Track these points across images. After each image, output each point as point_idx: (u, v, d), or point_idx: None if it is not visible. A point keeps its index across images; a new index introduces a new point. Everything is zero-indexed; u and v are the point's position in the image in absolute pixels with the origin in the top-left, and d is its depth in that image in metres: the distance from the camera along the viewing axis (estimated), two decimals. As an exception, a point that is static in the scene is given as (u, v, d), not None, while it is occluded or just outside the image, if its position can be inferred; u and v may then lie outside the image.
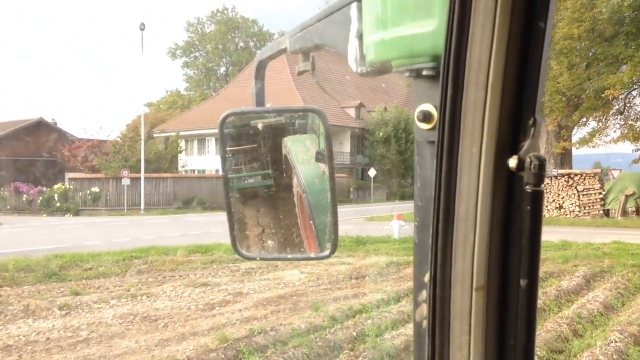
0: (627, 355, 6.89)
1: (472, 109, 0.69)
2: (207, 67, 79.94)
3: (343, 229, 18.05)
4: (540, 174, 0.68)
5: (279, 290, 10.61)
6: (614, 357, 6.75)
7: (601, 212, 25.58)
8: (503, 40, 0.67)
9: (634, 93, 24.81)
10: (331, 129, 1.34)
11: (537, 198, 0.69)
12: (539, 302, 9.25)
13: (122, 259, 13.04)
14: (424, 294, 0.79)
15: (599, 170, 26.58)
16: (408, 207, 32.26)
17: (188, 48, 78.72)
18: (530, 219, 0.70)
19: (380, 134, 45.20)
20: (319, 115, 1.39)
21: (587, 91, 22.99)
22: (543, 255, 13.87)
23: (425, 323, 0.78)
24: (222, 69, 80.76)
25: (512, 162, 0.68)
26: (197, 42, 78.57)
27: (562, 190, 26.34)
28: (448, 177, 0.72)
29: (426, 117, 0.77)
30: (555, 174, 26.63)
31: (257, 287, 10.88)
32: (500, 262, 0.72)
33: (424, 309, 0.79)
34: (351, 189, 44.93)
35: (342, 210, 29.40)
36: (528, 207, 0.69)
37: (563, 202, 26.34)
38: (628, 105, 25.67)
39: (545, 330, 7.64)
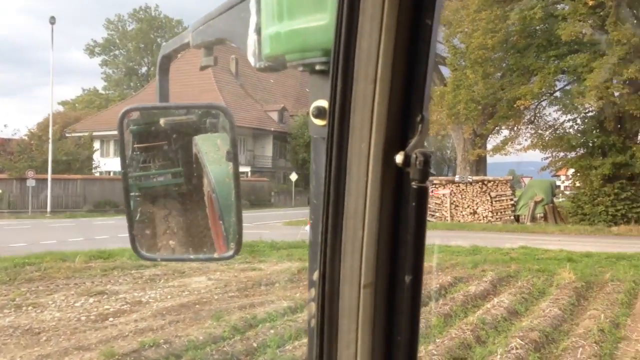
0: (527, 362, 6.87)
1: (362, 104, 0.70)
2: (127, 66, 77.31)
3: (259, 234, 17.67)
4: (425, 170, 0.69)
5: (182, 299, 10.06)
6: (514, 364, 6.71)
7: (512, 217, 26.44)
8: (391, 35, 0.68)
9: (543, 104, 25.84)
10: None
11: (421, 194, 0.69)
12: (446, 308, 9.27)
13: (12, 266, 12.04)
14: (313, 292, 0.79)
15: (510, 178, 27.50)
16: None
17: (107, 46, 75.93)
18: (416, 215, 0.70)
19: (302, 139, 45.07)
20: (224, 113, 1.38)
21: (501, 100, 23.69)
22: (454, 260, 14.00)
23: (313, 321, 0.78)
24: (144, 69, 78.35)
25: (399, 158, 0.69)
26: (117, 40, 75.93)
27: (476, 196, 27.04)
28: (337, 173, 0.72)
29: (320, 113, 0.77)
30: (470, 180, 27.32)
31: (159, 295, 10.27)
32: (388, 258, 0.73)
33: (312, 307, 0.78)
34: (272, 193, 44.53)
35: (262, 214, 29.00)
36: (413, 204, 0.70)
37: (477, 208, 27.04)
38: (538, 115, 26.72)
39: (450, 338, 7.53)
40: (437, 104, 24.78)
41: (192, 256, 1.72)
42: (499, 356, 6.79)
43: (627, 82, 20.82)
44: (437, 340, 7.42)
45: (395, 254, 0.72)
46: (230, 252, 1.37)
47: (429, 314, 8.90)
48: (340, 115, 0.70)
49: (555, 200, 27.82)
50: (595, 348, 7.21)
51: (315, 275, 0.76)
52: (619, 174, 22.75)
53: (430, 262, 13.76)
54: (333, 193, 0.73)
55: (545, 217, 25.97)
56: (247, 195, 38.62)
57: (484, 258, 14.16)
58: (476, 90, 22.75)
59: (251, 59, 0.94)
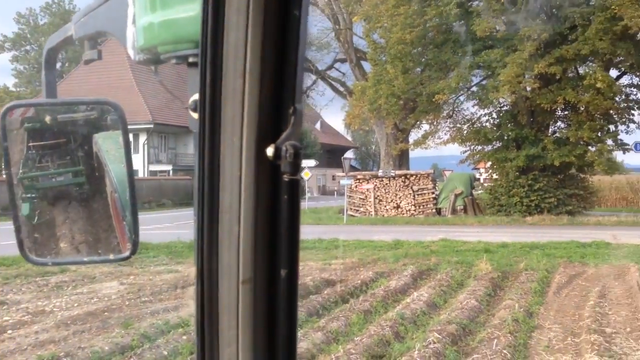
0: (445, 357, 6.83)
1: (232, 97, 0.70)
2: (39, 62, 73.30)
3: (179, 234, 17.07)
4: (296, 163, 0.68)
5: (90, 306, 9.45)
6: (432, 359, 6.65)
7: (434, 210, 26.95)
8: (258, 27, 0.68)
9: (461, 98, 26.44)
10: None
11: (293, 187, 0.70)
12: (366, 305, 9.15)
13: None
14: (191, 290, 0.77)
15: (432, 171, 28.05)
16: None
17: (18, 41, 71.83)
18: (288, 208, 0.70)
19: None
20: (114, 109, 1.34)
21: (421, 95, 24.06)
22: (376, 255, 14.00)
23: (193, 320, 0.77)
24: (58, 65, 74.40)
25: (270, 151, 0.69)
26: (28, 35, 72.00)
27: (400, 190, 27.39)
28: (211, 167, 0.72)
29: (197, 107, 0.77)
30: (393, 174, 27.65)
31: (65, 304, 9.61)
32: (265, 253, 0.72)
33: (192, 305, 0.77)
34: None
35: (184, 213, 28.15)
36: (286, 197, 0.70)
37: (400, 202, 27.39)
38: (456, 109, 27.33)
39: (368, 335, 7.40)
40: (358, 99, 24.89)
41: (86, 259, 1.69)
42: (416, 351, 6.71)
43: (538, 76, 21.60)
44: (356, 339, 7.28)
45: (272, 248, 0.72)
46: (127, 253, 1.34)
47: (349, 312, 8.78)
48: (210, 109, 0.70)
49: (474, 192, 28.61)
50: (510, 338, 7.28)
51: (194, 272, 0.76)
52: (532, 165, 23.61)
53: (352, 257, 13.75)
54: (207, 188, 0.72)
55: (465, 209, 26.63)
56: (170, 194, 37.54)
57: (406, 252, 14.26)
58: (396, 85, 22.97)
59: (131, 52, 0.90)
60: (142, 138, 43.99)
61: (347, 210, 26.89)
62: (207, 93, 0.70)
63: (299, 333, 7.49)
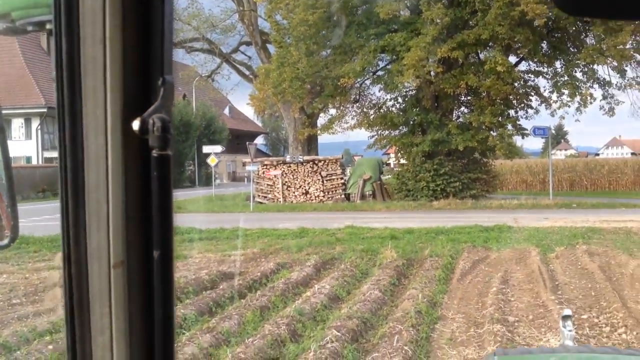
0: (343, 357, 6.28)
1: (92, 66, 0.66)
2: None
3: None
4: (164, 137, 0.66)
5: (-56, 314, 8.20)
6: (329, 360, 6.08)
7: (343, 196, 26.68)
8: None
9: (367, 82, 26.22)
10: None
11: (163, 163, 0.67)
12: (264, 300, 8.47)
13: None
14: (57, 276, 0.92)
15: (340, 157, 27.72)
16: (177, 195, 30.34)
17: None
18: (159, 185, 0.67)
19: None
20: None
21: (326, 79, 23.55)
22: (279, 244, 13.33)
23: (61, 308, 0.80)
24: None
25: (136, 124, 0.66)
26: None
27: (308, 176, 26.91)
28: (74, 143, 0.68)
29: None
30: (302, 160, 27.11)
31: None
32: (138, 234, 0.69)
33: (58, 292, 1.01)
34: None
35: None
36: (155, 173, 0.67)
37: (309, 188, 26.93)
38: (363, 94, 27.10)
39: (262, 335, 6.73)
40: (262, 82, 24.05)
41: None
42: (312, 353, 6.11)
43: (441, 61, 21.67)
44: (248, 340, 6.59)
45: (144, 228, 0.68)
46: (5, 241, 1.31)
47: (245, 309, 8.09)
48: (69, 79, 0.66)
49: (383, 177, 28.60)
50: (412, 333, 6.85)
51: (60, 257, 0.71)
52: (438, 150, 23.78)
53: (254, 247, 13.03)
54: (71, 166, 0.68)
55: (373, 195, 26.52)
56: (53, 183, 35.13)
57: (310, 240, 13.70)
58: (300, 68, 22.31)
59: None
60: (35, 123, 41.08)
61: (254, 197, 26.11)
62: (64, 62, 0.65)
63: (185, 336, 6.73)
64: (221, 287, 9.49)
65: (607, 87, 23.32)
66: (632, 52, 21.55)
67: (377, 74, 25.11)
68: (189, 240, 14.36)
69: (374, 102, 26.61)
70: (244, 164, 26.41)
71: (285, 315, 7.53)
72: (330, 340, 6.46)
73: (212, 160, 32.74)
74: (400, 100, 25.63)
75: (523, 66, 24.90)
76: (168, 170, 0.68)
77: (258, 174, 27.60)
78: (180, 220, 17.47)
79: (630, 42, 21.16)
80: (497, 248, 12.27)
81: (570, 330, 2.77)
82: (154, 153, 0.65)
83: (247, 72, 33.24)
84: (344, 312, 7.68)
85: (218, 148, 34.09)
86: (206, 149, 34.14)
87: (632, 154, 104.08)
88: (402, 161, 26.16)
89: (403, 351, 6.29)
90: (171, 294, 0.70)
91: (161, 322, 0.70)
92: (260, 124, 75.03)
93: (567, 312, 2.90)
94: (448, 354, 6.51)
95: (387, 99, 25.84)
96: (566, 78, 22.65)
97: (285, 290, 9.20)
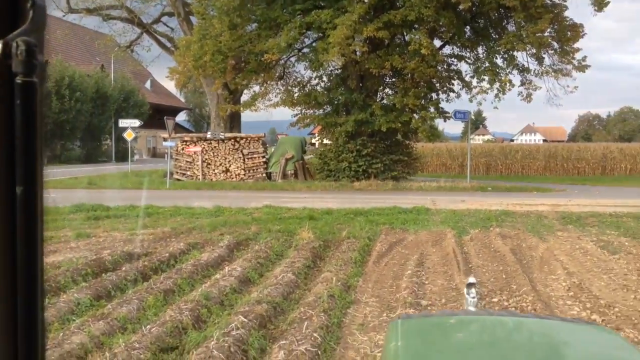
0: (248, 344, 5.88)
1: None
2: None
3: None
4: (29, 62, 0.61)
5: None
6: (232, 349, 5.66)
7: (264, 175, 26.19)
8: None
9: (292, 59, 25.67)
10: None
11: (28, 90, 0.62)
12: (170, 283, 7.92)
13: None
14: None
15: (263, 135, 27.11)
16: (69, 172, 28.76)
17: None
18: (23, 114, 0.62)
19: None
20: None
21: (249, 54, 22.83)
22: (192, 224, 12.72)
23: None
24: None
25: None
26: None
27: (229, 153, 26.23)
28: None
29: None
30: (223, 137, 26.35)
31: None
32: None
33: None
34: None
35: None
36: (19, 101, 0.62)
37: (230, 166, 26.27)
38: (287, 71, 26.53)
39: (162, 322, 6.22)
40: (182, 54, 22.99)
41: None
42: (214, 341, 5.67)
43: (367, 40, 21.45)
44: (146, 327, 6.06)
45: (7, 161, 0.63)
46: None
47: (147, 292, 7.52)
48: None
49: (305, 157, 28.29)
50: (323, 318, 6.53)
51: None
52: (361, 131, 23.65)
53: (165, 226, 12.37)
54: None
55: (295, 174, 26.20)
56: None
57: (225, 220, 13.16)
58: (223, 41, 21.41)
59: None
60: None
61: (172, 174, 25.19)
62: None
63: (75, 323, 6.12)
64: (124, 268, 8.84)
65: (525, 74, 23.93)
66: (550, 40, 22.14)
67: (303, 51, 24.64)
68: (94, 217, 13.49)
69: (298, 80, 26.17)
70: (165, 140, 25.31)
71: (190, 299, 7.03)
72: (236, 327, 6.05)
73: (128, 135, 31.36)
74: (325, 79, 25.32)
75: (447, 50, 25.16)
76: (33, 99, 0.63)
77: (177, 151, 26.64)
78: (88, 196, 16.48)
79: (549, 30, 21.70)
80: (415, 230, 12.21)
81: (473, 297, 2.94)
82: (18, 80, 0.61)
83: (168, 44, 31.87)
84: (253, 297, 7.27)
85: (136, 122, 32.70)
86: (123, 122, 32.67)
87: (544, 140, 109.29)
88: (326, 141, 25.90)
89: (312, 338, 5.97)
90: (36, 278, 0.62)
91: (25, 315, 0.62)
92: (183, 100, 72.90)
93: (472, 279, 3.07)
94: (358, 340, 6.25)
95: (312, 77, 25.45)
96: (487, 64, 23.01)
97: (193, 273, 8.69)
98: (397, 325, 2.32)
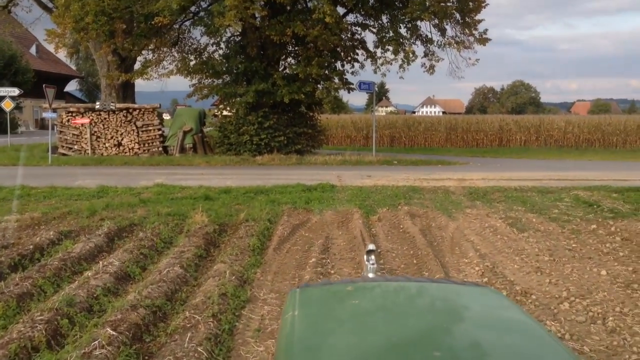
0: (115, 367, 4.74)
1: None
2: None
3: None
4: None
5: None
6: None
7: (160, 149, 24.45)
8: None
9: (187, 24, 23.80)
10: None
11: None
12: (28, 284, 6.45)
13: None
14: None
15: (158, 105, 25.16)
16: None
17: None
18: None
19: None
20: None
21: (139, 16, 20.81)
22: (69, 207, 11.15)
23: None
24: None
25: None
26: None
27: (121, 126, 24.24)
28: None
29: None
30: (114, 108, 24.24)
31: None
32: None
33: None
34: None
35: None
36: None
37: (122, 139, 24.32)
38: (182, 36, 24.64)
39: (5, 342, 4.93)
40: (61, 15, 20.57)
41: None
42: (70, 366, 4.50)
43: (267, 4, 20.14)
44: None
45: None
46: None
47: (2, 295, 6.15)
48: None
49: (205, 129, 26.71)
50: (212, 325, 5.50)
51: None
52: (263, 102, 22.44)
53: (35, 211, 10.72)
54: None
55: (194, 148, 24.64)
56: None
57: (109, 202, 11.65)
58: (106, 0, 19.31)
59: None
60: None
61: (56, 149, 22.89)
62: None
63: None
64: (-28, 267, 7.33)
65: (428, 45, 23.58)
66: (453, 10, 21.81)
67: (198, 15, 22.86)
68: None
69: (194, 46, 24.35)
70: (54, 110, 22.87)
71: (48, 307, 5.74)
72: (100, 345, 4.88)
73: (7, 105, 28.37)
74: (223, 46, 23.75)
75: (351, 18, 24.29)
76: None
77: (62, 122, 24.25)
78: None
79: (452, 0, 21.35)
80: (319, 210, 11.32)
81: (372, 264, 3.03)
82: None
83: (50, 5, 28.81)
84: (130, 299, 6.08)
85: (14, 91, 29.62)
86: (0, 91, 29.50)
87: (443, 112, 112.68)
88: (225, 112, 24.44)
89: (196, 353, 4.92)
90: None
91: None
92: (74, 67, 67.89)
93: (371, 246, 3.15)
94: (253, 351, 5.26)
95: (209, 43, 23.75)
96: (391, 34, 22.40)
97: (60, 269, 7.33)
98: (296, 294, 2.36)
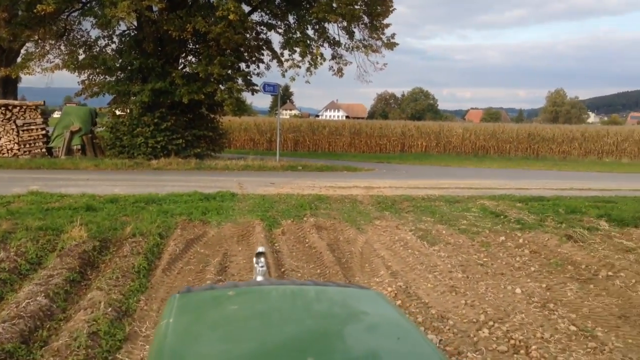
0: None
1: None
2: None
3: None
4: None
5: None
6: None
7: (44, 150, 22.24)
8: None
9: (76, 14, 21.80)
10: None
11: None
12: None
13: None
14: None
15: (42, 103, 22.88)
16: None
17: None
18: None
19: None
20: None
21: (20, 3, 18.72)
22: None
23: None
24: None
25: None
26: None
27: (-1, 124, 21.81)
28: None
29: None
30: (-8, 104, 21.77)
31: None
32: None
33: None
34: None
35: None
36: None
37: (0, 139, 21.87)
38: (70, 28, 22.56)
39: None
40: None
41: None
42: None
43: (166, -4, 18.78)
44: None
45: None
46: None
47: None
48: None
49: (97, 130, 24.66)
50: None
51: None
52: (159, 102, 20.93)
53: None
54: None
55: (83, 150, 22.62)
56: None
57: (-32, 214, 9.98)
58: (-17, -16, 17.21)
59: None
60: None
61: None
62: None
63: None
64: None
65: (336, 47, 23.06)
66: (361, 14, 21.37)
67: (89, 5, 20.97)
68: None
69: (84, 39, 22.34)
70: None
71: None
72: None
73: None
74: (116, 40, 21.95)
75: (256, 17, 23.29)
76: None
77: None
78: None
79: (360, 2, 20.89)
80: (218, 222, 10.28)
81: (262, 267, 3.10)
82: None
83: None
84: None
85: None
86: None
87: (347, 117, 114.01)
88: (118, 112, 22.63)
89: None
90: None
91: None
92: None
93: (261, 249, 3.23)
94: (128, 411, 4.21)
95: (100, 37, 21.84)
96: (298, 35, 21.67)
97: None
98: (174, 300, 2.29)
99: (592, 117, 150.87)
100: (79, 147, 22.54)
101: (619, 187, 17.97)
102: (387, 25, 22.16)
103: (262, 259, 3.09)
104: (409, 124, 41.81)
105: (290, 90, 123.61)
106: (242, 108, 22.79)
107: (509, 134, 38.50)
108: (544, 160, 34.54)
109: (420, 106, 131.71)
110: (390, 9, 21.69)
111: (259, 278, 2.93)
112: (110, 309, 5.93)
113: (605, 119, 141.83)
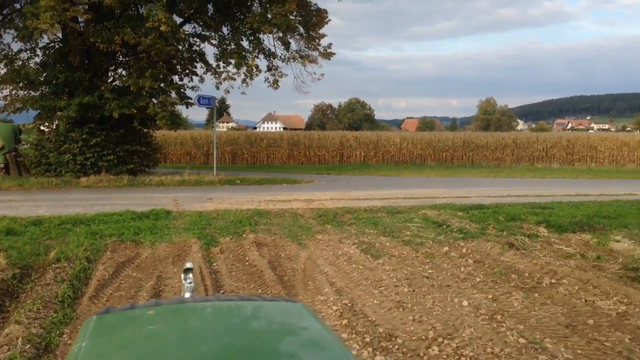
0: None
1: None
2: None
3: None
4: None
5: None
6: None
7: (-37, 170, 20.84)
8: None
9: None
10: None
11: None
12: None
13: None
14: None
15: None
16: None
17: None
18: None
19: None
20: None
21: None
22: None
23: None
24: None
25: None
26: None
27: None
28: None
29: None
30: None
31: None
32: None
33: None
34: None
35: None
36: None
37: None
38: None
39: None
40: None
41: None
42: None
43: (91, 7, 17.94)
44: None
45: None
46: None
47: None
48: None
49: (21, 147, 23.34)
50: None
51: None
52: (88, 117, 19.97)
53: None
54: None
55: (6, 169, 21.35)
56: None
57: None
58: None
59: None
60: None
61: None
62: None
63: None
64: None
65: (271, 59, 22.75)
66: (296, 24, 21.16)
67: (9, 17, 19.85)
68: None
69: (4, 52, 21.11)
70: None
71: None
72: None
73: None
74: (39, 52, 20.85)
75: (188, 28, 22.67)
76: None
77: None
78: None
79: (295, 12, 20.65)
80: (151, 242, 9.72)
81: (190, 283, 2.94)
82: None
83: None
84: None
85: None
86: None
87: (284, 128, 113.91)
88: (43, 128, 21.49)
89: None
90: None
91: None
92: None
93: (189, 265, 3.04)
94: None
95: (22, 49, 20.68)
96: (233, 46, 21.22)
97: None
98: (90, 322, 2.18)
99: (521, 125, 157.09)
100: (2, 166, 21.28)
101: (554, 193, 18.39)
102: (323, 36, 22.05)
103: (190, 275, 2.95)
104: (347, 134, 41.95)
105: (227, 102, 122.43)
106: (176, 122, 22.06)
107: (445, 142, 39.20)
108: (480, 168, 35.27)
109: (357, 116, 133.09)
110: (325, 20, 21.57)
111: (187, 294, 2.81)
112: (28, 345, 5.36)
113: (534, 126, 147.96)
